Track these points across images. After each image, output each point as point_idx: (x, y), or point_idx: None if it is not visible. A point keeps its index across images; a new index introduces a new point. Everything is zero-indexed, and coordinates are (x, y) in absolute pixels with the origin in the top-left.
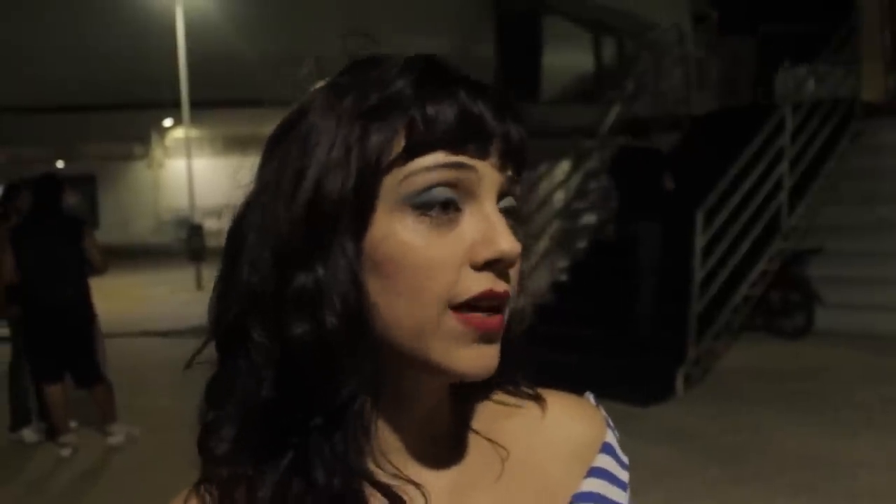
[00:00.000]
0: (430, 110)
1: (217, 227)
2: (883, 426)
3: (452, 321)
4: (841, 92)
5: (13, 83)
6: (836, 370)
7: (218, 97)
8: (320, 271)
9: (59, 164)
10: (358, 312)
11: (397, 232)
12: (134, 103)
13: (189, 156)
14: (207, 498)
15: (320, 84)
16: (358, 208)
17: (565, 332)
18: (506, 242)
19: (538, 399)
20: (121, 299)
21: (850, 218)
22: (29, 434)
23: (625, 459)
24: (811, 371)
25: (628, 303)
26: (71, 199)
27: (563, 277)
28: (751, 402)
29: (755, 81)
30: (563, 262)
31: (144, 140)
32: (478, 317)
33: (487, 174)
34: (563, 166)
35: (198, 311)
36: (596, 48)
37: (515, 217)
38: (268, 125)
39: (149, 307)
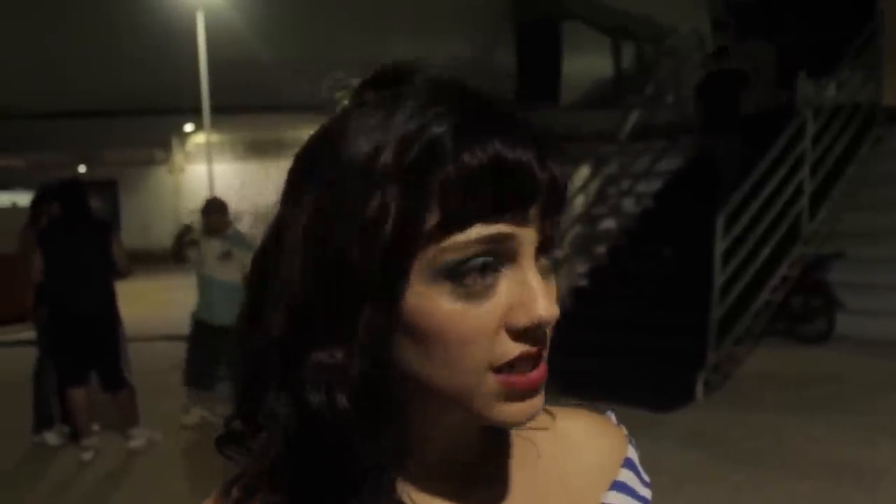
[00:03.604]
0: (466, 168)
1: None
2: None
3: (494, 383)
4: (861, 97)
5: (35, 89)
6: (858, 376)
7: (238, 102)
8: (339, 353)
9: (81, 168)
10: (382, 389)
11: (433, 300)
12: (155, 109)
13: (210, 161)
14: None
15: (346, 101)
16: (387, 282)
17: (585, 337)
18: (543, 308)
19: (561, 418)
20: (142, 303)
21: (871, 223)
22: (51, 437)
23: (646, 477)
24: (832, 377)
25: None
26: (92, 204)
27: (583, 283)
28: (771, 407)
29: (777, 86)
30: (582, 268)
31: (165, 145)
32: (520, 377)
33: (527, 236)
34: (583, 172)
35: None
36: (615, 54)
37: (556, 263)
38: (288, 130)
39: (170, 311)
